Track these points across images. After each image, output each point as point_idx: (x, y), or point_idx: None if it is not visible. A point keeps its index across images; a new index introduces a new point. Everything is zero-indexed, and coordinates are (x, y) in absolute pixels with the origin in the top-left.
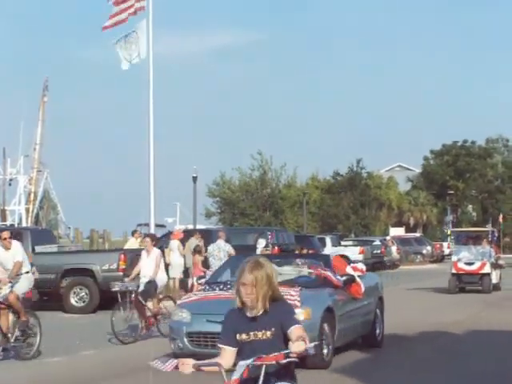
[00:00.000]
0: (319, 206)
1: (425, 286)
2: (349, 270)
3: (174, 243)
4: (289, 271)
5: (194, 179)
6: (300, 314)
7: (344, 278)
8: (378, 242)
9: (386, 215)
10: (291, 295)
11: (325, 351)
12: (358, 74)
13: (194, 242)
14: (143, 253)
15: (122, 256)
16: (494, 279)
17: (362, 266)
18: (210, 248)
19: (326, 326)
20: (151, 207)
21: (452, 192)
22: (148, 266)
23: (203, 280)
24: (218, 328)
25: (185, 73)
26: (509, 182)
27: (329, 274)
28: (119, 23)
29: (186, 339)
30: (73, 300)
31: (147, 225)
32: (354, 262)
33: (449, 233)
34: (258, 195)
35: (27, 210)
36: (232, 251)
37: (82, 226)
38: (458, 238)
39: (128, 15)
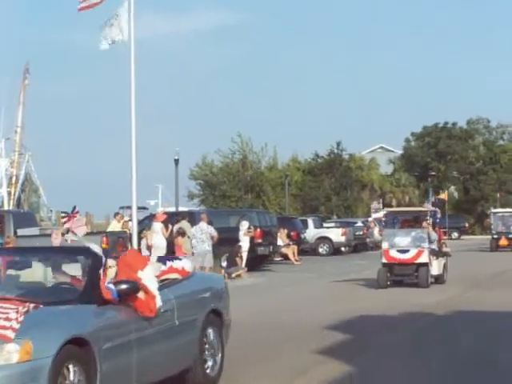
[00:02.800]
0: (300, 187)
1: None
2: (144, 273)
3: (157, 225)
4: (30, 277)
5: (176, 161)
6: (13, 352)
7: (123, 286)
8: (360, 224)
9: (368, 197)
10: (7, 319)
11: None
12: (340, 55)
13: (186, 225)
14: None
15: (105, 239)
16: (436, 270)
17: (184, 263)
18: (192, 230)
19: (73, 369)
20: (133, 190)
21: (434, 174)
22: None
23: None
24: None
25: (167, 55)
26: (490, 163)
27: (93, 280)
28: (96, 4)
29: None
30: None
31: (129, 207)
32: (176, 258)
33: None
34: (240, 178)
35: (9, 194)
36: (215, 233)
37: (64, 208)
38: (393, 220)
39: None
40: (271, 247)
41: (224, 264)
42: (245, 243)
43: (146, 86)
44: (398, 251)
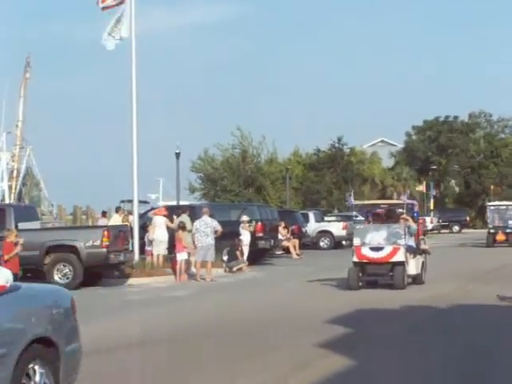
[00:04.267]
0: (301, 181)
1: None
2: None
3: (159, 219)
4: None
5: (177, 155)
6: None
7: None
8: (361, 218)
9: (369, 190)
10: None
11: None
12: (339, 48)
13: (186, 218)
14: None
15: (106, 232)
16: (413, 269)
17: None
18: (196, 224)
19: None
20: (134, 183)
21: (435, 167)
22: None
23: None
24: None
25: (167, 48)
26: (491, 157)
27: None
28: (120, 3)
29: None
30: (56, 276)
31: (130, 201)
32: None
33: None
34: (240, 172)
35: (10, 187)
36: (219, 227)
37: (65, 202)
38: (367, 214)
39: None
40: (272, 241)
41: (225, 258)
42: (246, 237)
43: (146, 79)
44: (371, 249)
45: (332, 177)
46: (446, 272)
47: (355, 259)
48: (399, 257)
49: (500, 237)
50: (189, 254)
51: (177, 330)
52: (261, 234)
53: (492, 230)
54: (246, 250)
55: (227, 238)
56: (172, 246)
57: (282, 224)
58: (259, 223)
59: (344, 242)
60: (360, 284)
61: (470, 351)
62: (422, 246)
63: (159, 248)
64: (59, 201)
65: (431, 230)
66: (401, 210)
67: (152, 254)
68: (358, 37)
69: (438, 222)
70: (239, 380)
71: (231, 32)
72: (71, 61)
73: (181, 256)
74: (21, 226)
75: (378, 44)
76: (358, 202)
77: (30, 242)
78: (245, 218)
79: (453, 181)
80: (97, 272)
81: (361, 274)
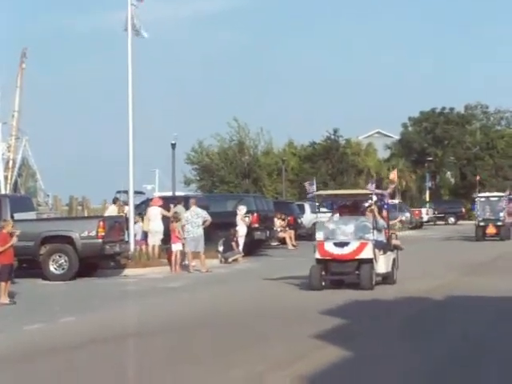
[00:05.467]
0: (297, 173)
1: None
2: None
3: (154, 210)
4: None
5: (173, 146)
6: None
7: None
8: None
9: (364, 182)
10: None
11: None
12: (335, 40)
13: (181, 209)
14: None
15: (101, 223)
16: (383, 268)
17: None
18: (187, 214)
19: None
20: (130, 174)
21: (431, 159)
22: None
23: None
24: None
25: (166, 41)
26: (487, 148)
27: None
28: None
29: None
30: (52, 267)
31: (126, 192)
32: None
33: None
34: (237, 163)
35: (6, 178)
36: (209, 218)
37: (60, 193)
38: (332, 205)
39: None
40: (268, 232)
41: (220, 248)
42: (241, 228)
43: (143, 71)
44: (336, 244)
45: (327, 168)
46: (430, 269)
47: (318, 256)
48: (367, 253)
49: (490, 230)
50: (183, 244)
51: (173, 321)
52: (257, 225)
53: (482, 223)
54: (241, 240)
55: (223, 228)
56: (168, 237)
57: (278, 215)
58: (255, 214)
59: None
60: (323, 284)
61: (467, 344)
62: (393, 242)
63: (155, 239)
64: (55, 191)
65: (427, 222)
66: (369, 201)
67: (147, 245)
68: (355, 30)
69: (434, 213)
70: (235, 371)
71: (228, 25)
72: (69, 52)
73: (176, 247)
74: (16, 216)
75: (375, 37)
76: (321, 192)
77: (25, 233)
78: (242, 208)
79: (448, 172)
80: (92, 263)
81: (324, 273)
